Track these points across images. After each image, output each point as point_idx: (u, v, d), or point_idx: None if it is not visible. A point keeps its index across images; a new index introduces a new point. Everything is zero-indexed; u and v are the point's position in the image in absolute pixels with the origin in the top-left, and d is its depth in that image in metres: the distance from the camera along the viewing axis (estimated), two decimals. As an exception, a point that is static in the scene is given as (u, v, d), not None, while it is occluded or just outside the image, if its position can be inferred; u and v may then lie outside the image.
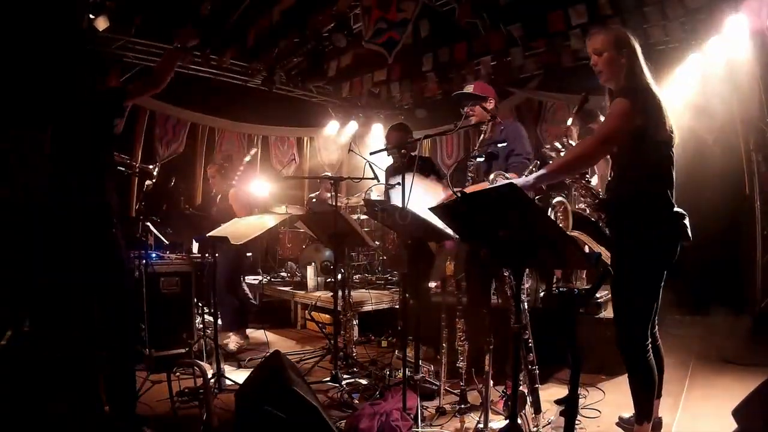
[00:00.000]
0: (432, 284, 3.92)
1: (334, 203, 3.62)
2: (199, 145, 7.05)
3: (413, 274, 3.18)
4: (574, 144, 2.54)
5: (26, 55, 3.66)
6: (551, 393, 3.07)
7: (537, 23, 4.84)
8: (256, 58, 6.12)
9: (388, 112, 8.04)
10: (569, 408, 1.67)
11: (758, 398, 1.89)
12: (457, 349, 2.96)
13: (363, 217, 6.02)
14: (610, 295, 3.17)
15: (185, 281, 4.06)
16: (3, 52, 3.64)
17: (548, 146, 2.55)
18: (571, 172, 2.31)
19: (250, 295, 5.10)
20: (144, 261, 3.74)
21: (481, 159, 3.00)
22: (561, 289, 1.74)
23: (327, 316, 4.98)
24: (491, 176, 2.57)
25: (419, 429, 2.60)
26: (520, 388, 2.40)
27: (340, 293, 3.89)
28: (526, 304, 2.64)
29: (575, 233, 2.48)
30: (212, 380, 3.23)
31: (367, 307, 4.85)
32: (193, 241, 4.74)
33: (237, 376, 3.42)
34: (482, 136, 3.04)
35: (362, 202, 5.78)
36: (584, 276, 3.80)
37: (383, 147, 3.70)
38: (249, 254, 5.24)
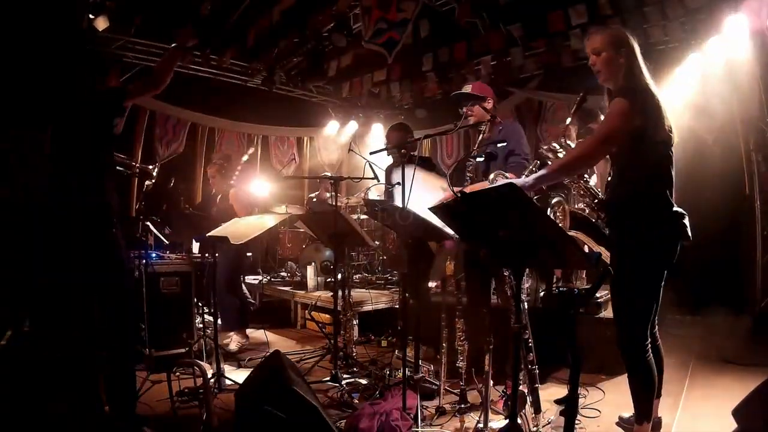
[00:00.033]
0: (432, 284, 3.92)
1: (334, 203, 3.62)
2: (199, 145, 7.05)
3: (413, 274, 3.18)
4: (572, 144, 2.54)
5: (26, 55, 3.66)
6: (551, 393, 3.07)
7: (537, 23, 4.84)
8: (256, 58, 6.12)
9: (388, 112, 8.04)
10: (569, 408, 1.67)
11: (758, 398, 1.89)
12: (457, 348, 2.96)
13: (363, 217, 6.02)
14: (609, 295, 3.17)
15: (185, 281, 4.06)
16: (3, 52, 3.64)
17: (545, 147, 2.55)
18: (571, 172, 2.31)
19: (248, 296, 5.10)
20: (144, 261, 3.74)
21: (481, 159, 3.00)
22: (561, 289, 1.75)
23: (327, 315, 4.98)
24: (491, 176, 2.57)
25: (419, 429, 2.60)
26: (520, 387, 2.40)
27: (340, 293, 3.89)
28: (526, 304, 2.65)
29: (574, 233, 2.48)
30: (212, 380, 3.23)
31: (367, 307, 4.85)
32: (193, 241, 4.73)
33: (237, 376, 3.42)
34: (481, 136, 3.04)
35: (362, 202, 5.78)
36: (584, 276, 3.80)
37: (383, 147, 3.70)
38: (249, 254, 5.24)
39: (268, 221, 3.62)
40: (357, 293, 4.95)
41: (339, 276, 3.84)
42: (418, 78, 6.05)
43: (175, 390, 2.94)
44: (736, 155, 4.81)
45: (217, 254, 3.74)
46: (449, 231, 2.35)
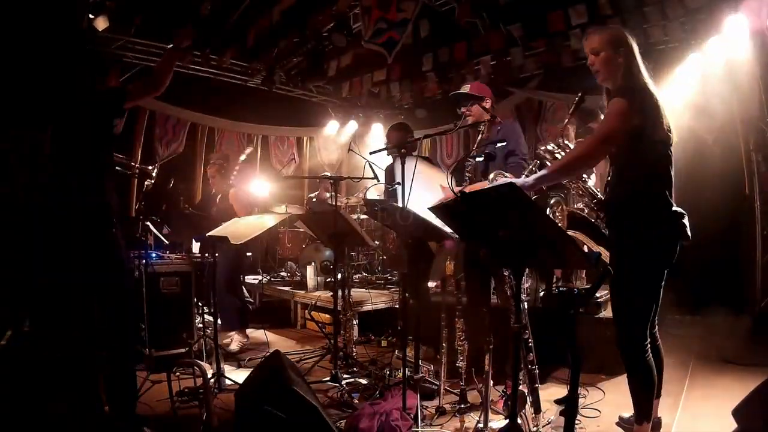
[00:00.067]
0: (432, 284, 3.92)
1: (334, 203, 3.62)
2: (199, 145, 7.04)
3: (413, 274, 3.18)
4: (570, 143, 2.54)
5: (26, 55, 3.66)
6: (551, 393, 3.07)
7: (537, 23, 4.84)
8: (256, 58, 6.12)
9: (388, 112, 8.04)
10: (569, 408, 1.67)
11: (758, 398, 1.89)
12: (457, 348, 2.96)
13: (363, 216, 6.02)
14: (609, 295, 3.17)
15: (185, 281, 4.06)
16: (3, 52, 3.64)
17: (543, 148, 2.55)
18: (571, 173, 2.31)
19: (247, 296, 5.10)
20: (144, 261, 3.74)
21: (480, 159, 3.00)
22: (561, 289, 1.74)
23: (327, 315, 4.99)
24: (491, 176, 2.57)
25: (419, 429, 2.60)
26: (520, 387, 2.40)
27: (340, 293, 3.89)
28: (526, 304, 2.65)
29: (573, 233, 2.48)
30: (212, 380, 3.23)
31: (367, 307, 4.85)
32: (193, 241, 4.74)
33: (237, 376, 3.42)
34: (480, 136, 3.05)
35: (362, 202, 5.78)
36: (584, 276, 3.80)
37: (383, 147, 3.70)
38: (249, 254, 5.24)
39: (268, 221, 3.62)
40: (357, 293, 4.95)
41: (339, 276, 3.84)
42: (418, 78, 6.05)
43: (175, 390, 2.94)
44: (736, 155, 4.81)
45: (217, 254, 3.74)
46: (449, 231, 2.35)
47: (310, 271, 5.41)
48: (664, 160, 2.18)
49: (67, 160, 2.52)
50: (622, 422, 2.60)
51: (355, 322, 4.61)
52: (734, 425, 1.92)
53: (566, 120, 2.51)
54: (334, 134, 7.98)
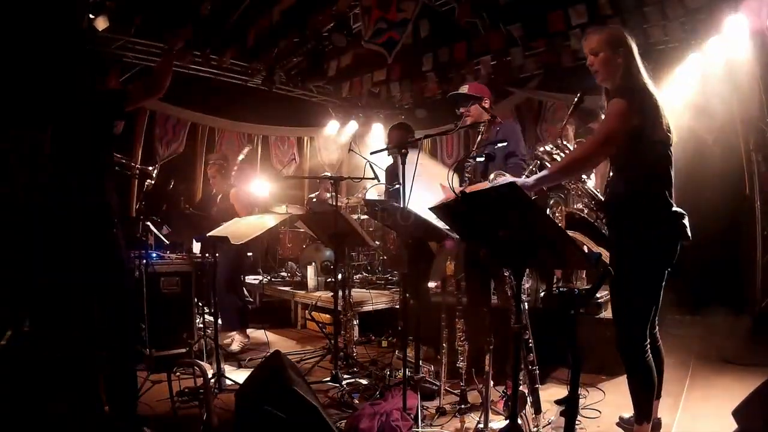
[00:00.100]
0: (432, 284, 3.91)
1: (334, 203, 3.62)
2: (199, 145, 7.04)
3: (413, 274, 3.18)
4: (569, 144, 2.54)
5: (26, 55, 3.66)
6: (551, 393, 3.07)
7: (537, 23, 4.84)
8: (256, 58, 6.12)
9: (388, 112, 8.04)
10: (569, 408, 1.67)
11: (758, 398, 1.89)
12: (457, 349, 2.96)
13: (363, 217, 6.02)
14: (609, 296, 3.17)
15: (185, 281, 4.06)
16: (3, 51, 3.64)
17: (541, 149, 2.55)
18: (572, 174, 2.30)
19: (247, 295, 5.10)
20: (144, 261, 3.75)
21: (481, 159, 3.00)
22: (561, 290, 1.75)
23: (327, 316, 4.98)
24: (491, 176, 2.57)
25: (419, 429, 2.60)
26: (520, 388, 2.40)
27: (340, 293, 3.89)
28: (526, 304, 2.64)
29: (572, 233, 2.48)
30: (212, 380, 3.23)
31: (367, 307, 4.85)
32: (194, 241, 4.74)
33: (237, 376, 3.42)
34: (479, 136, 3.05)
35: (362, 202, 5.78)
36: (584, 276, 3.80)
37: (383, 147, 3.70)
38: (250, 254, 5.23)
39: (268, 221, 3.62)
40: (357, 293, 4.95)
41: (339, 276, 3.84)
42: (418, 78, 6.05)
43: (175, 390, 2.93)
44: (736, 155, 4.81)
45: (217, 254, 3.74)
46: (447, 229, 2.35)
47: (310, 271, 5.41)
48: (663, 160, 2.18)
49: (67, 161, 2.52)
50: (622, 423, 2.59)
51: (355, 323, 4.61)
52: (734, 426, 1.92)
53: (565, 120, 2.51)
54: (335, 134, 7.98)
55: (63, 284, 2.58)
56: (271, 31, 5.24)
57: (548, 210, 2.49)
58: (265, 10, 5.01)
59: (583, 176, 2.49)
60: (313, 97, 7.52)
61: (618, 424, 2.61)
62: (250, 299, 5.58)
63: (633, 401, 2.25)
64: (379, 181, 3.98)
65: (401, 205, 2.64)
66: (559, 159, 2.45)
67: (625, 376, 2.29)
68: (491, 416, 2.61)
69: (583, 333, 3.48)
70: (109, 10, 4.49)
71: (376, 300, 4.95)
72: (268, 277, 6.27)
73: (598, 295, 3.69)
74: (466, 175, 2.95)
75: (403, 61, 5.73)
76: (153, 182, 3.79)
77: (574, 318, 1.69)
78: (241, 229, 3.44)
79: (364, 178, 3.89)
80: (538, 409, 2.58)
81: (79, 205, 2.45)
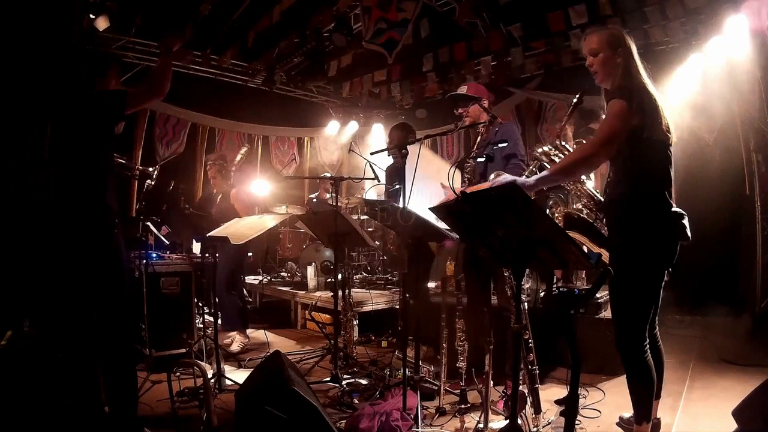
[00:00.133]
0: (432, 284, 3.92)
1: (334, 203, 3.62)
2: (199, 146, 7.05)
3: (413, 275, 3.18)
4: (567, 144, 2.54)
5: (26, 55, 3.66)
6: (551, 393, 3.07)
7: (537, 23, 4.84)
8: (257, 58, 6.13)
9: (388, 112, 8.04)
10: (569, 408, 1.68)
11: (758, 398, 1.89)
12: (457, 349, 2.96)
13: (363, 217, 6.02)
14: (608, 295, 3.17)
15: (185, 281, 4.05)
16: (3, 51, 3.64)
17: (540, 150, 2.56)
18: (572, 175, 2.30)
19: (246, 295, 5.10)
20: (144, 261, 3.75)
21: (482, 160, 3.00)
22: (561, 289, 1.74)
23: (327, 316, 4.99)
24: (491, 176, 2.57)
25: (419, 429, 2.60)
26: (520, 388, 2.40)
27: (340, 293, 3.89)
28: (526, 304, 2.65)
29: (571, 234, 2.48)
30: (212, 380, 3.23)
31: (367, 307, 4.86)
32: (194, 241, 4.74)
33: (237, 376, 3.42)
34: (479, 137, 3.05)
35: (362, 203, 5.78)
36: (584, 276, 3.80)
37: (383, 147, 3.70)
38: (249, 254, 5.23)
39: (268, 221, 3.62)
40: (357, 293, 4.95)
41: (339, 276, 3.84)
42: (418, 78, 6.05)
43: (175, 390, 2.93)
44: (736, 155, 4.82)
45: (217, 254, 3.74)
46: (447, 229, 2.35)
47: (310, 271, 5.41)
48: (663, 160, 2.18)
49: (67, 161, 2.51)
50: (622, 422, 2.59)
51: (355, 323, 4.61)
52: (734, 426, 1.92)
53: (564, 121, 2.51)
54: (335, 134, 7.99)
55: (63, 285, 2.58)
56: (271, 31, 5.24)
57: (548, 210, 2.49)
58: (265, 10, 5.01)
59: (583, 177, 2.49)
60: (313, 98, 7.53)
61: (618, 424, 2.61)
62: (249, 300, 5.58)
63: (632, 401, 2.25)
64: (379, 181, 3.98)
65: (401, 205, 2.64)
66: (557, 160, 2.45)
67: (625, 376, 2.29)
68: (491, 416, 2.61)
69: (582, 333, 3.48)
70: (109, 10, 4.49)
71: (376, 300, 4.95)
72: (268, 277, 6.27)
73: (598, 295, 3.69)
74: (466, 175, 2.95)
75: (403, 62, 5.74)
76: (153, 183, 3.79)
77: (573, 318, 1.69)
78: (240, 229, 3.44)
79: (364, 178, 3.89)
80: (538, 409, 2.58)
81: (79, 205, 2.45)
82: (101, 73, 2.68)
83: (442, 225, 2.47)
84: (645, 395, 2.22)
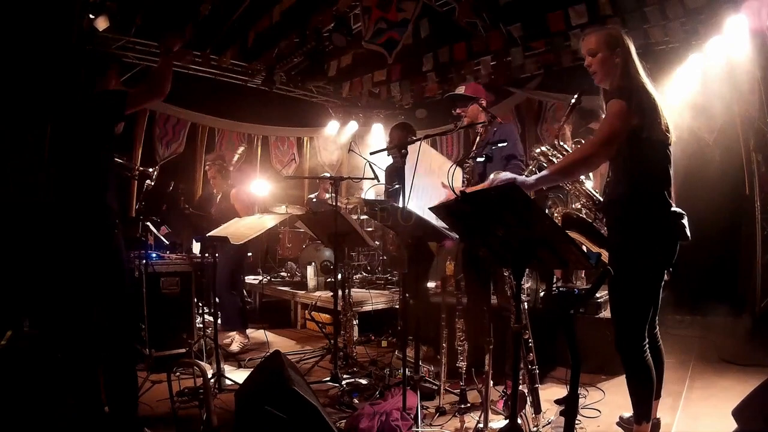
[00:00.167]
0: (432, 284, 3.92)
1: (334, 203, 3.62)
2: (199, 145, 7.05)
3: (413, 274, 3.18)
4: (565, 144, 2.54)
5: (25, 55, 3.66)
6: (551, 393, 3.08)
7: (537, 23, 4.84)
8: (256, 58, 6.13)
9: (388, 112, 8.04)
10: (569, 408, 1.67)
11: (758, 398, 1.89)
12: (457, 349, 2.96)
13: (363, 217, 6.02)
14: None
15: (185, 281, 4.06)
16: (3, 51, 3.64)
17: (537, 150, 2.55)
18: (572, 175, 2.30)
19: (246, 295, 5.09)
20: (144, 261, 3.75)
21: (481, 160, 3.00)
22: (561, 289, 1.74)
23: (327, 316, 4.99)
24: (491, 176, 2.57)
25: (419, 429, 2.60)
26: (520, 387, 2.40)
27: (340, 293, 3.89)
28: (526, 304, 2.65)
29: (571, 234, 2.48)
30: (212, 380, 3.23)
31: (367, 307, 4.86)
32: (193, 241, 4.74)
33: (237, 376, 3.42)
34: (478, 138, 3.05)
35: (362, 203, 5.78)
36: (584, 276, 3.80)
37: (383, 147, 3.70)
38: (249, 254, 5.23)
39: (268, 221, 3.62)
40: (357, 293, 4.95)
41: (339, 276, 3.84)
42: (418, 78, 6.05)
43: (175, 390, 2.93)
44: (736, 155, 4.82)
45: (217, 254, 3.74)
46: (447, 229, 2.35)
47: (310, 271, 5.41)
48: (662, 160, 2.18)
49: (67, 161, 2.51)
50: (622, 422, 2.59)
51: (355, 323, 4.61)
52: (734, 426, 1.92)
53: (562, 121, 2.51)
54: (335, 134, 7.99)
55: (63, 285, 2.58)
56: (271, 31, 5.24)
57: (547, 210, 2.49)
58: (265, 10, 5.01)
59: (582, 177, 2.49)
60: (313, 97, 7.53)
61: (618, 424, 2.61)
62: (249, 300, 5.58)
63: (632, 401, 2.25)
64: (378, 181, 3.98)
65: (401, 205, 2.64)
66: (555, 160, 2.45)
67: (625, 375, 2.29)
68: (491, 416, 2.61)
69: (582, 333, 3.48)
70: (109, 10, 4.49)
71: (375, 300, 4.95)
72: (268, 277, 6.27)
73: (597, 295, 3.69)
74: (465, 176, 2.95)
75: (403, 62, 5.74)
76: (152, 183, 3.79)
77: (573, 318, 1.69)
78: (240, 229, 3.44)
79: (364, 178, 3.89)
80: (537, 409, 2.58)
81: (79, 205, 2.45)
82: (101, 73, 2.68)
83: (441, 224, 2.47)
84: (645, 395, 2.22)
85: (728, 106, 4.60)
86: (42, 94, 2.93)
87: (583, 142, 2.64)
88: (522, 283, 1.90)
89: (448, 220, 2.13)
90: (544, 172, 2.17)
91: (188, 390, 3.10)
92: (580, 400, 2.74)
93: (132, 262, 3.73)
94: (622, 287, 2.18)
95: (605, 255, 2.25)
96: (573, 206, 2.96)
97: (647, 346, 2.20)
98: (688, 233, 2.17)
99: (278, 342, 4.77)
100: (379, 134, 7.95)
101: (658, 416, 2.43)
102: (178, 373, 3.31)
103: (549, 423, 2.65)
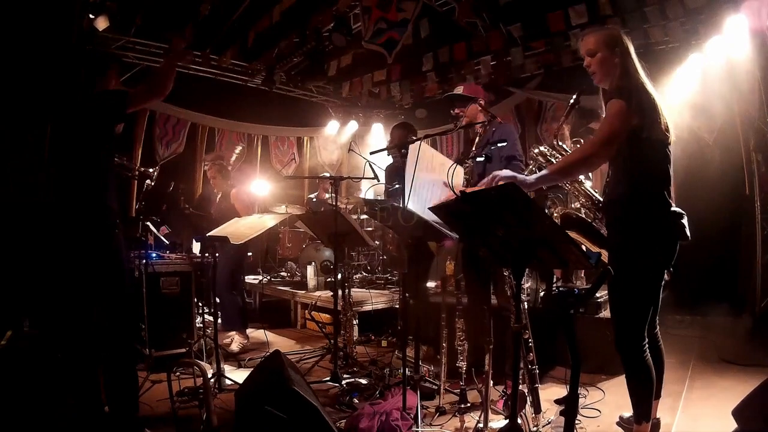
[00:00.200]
0: (432, 284, 3.92)
1: (334, 203, 3.63)
2: (199, 145, 7.05)
3: (413, 274, 3.18)
4: (564, 144, 2.55)
5: (25, 55, 3.66)
6: (551, 393, 3.08)
7: (537, 23, 4.84)
8: (256, 58, 6.12)
9: (388, 112, 8.04)
10: (569, 408, 1.67)
11: (758, 398, 1.89)
12: (457, 348, 2.96)
13: (363, 217, 6.02)
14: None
15: (185, 281, 4.06)
16: (3, 51, 3.64)
17: (536, 150, 2.55)
18: (572, 174, 2.30)
19: (245, 295, 5.09)
20: (144, 261, 3.75)
21: (481, 159, 3.00)
22: (561, 289, 1.74)
23: (327, 315, 4.99)
24: (492, 174, 2.57)
25: (419, 429, 2.60)
26: (520, 387, 2.40)
27: (340, 293, 3.89)
28: (526, 304, 2.65)
29: (571, 233, 2.48)
30: (212, 380, 3.23)
31: (367, 307, 4.86)
32: (193, 241, 4.74)
33: (237, 376, 3.42)
34: (477, 138, 3.05)
35: (362, 202, 5.78)
36: (584, 276, 3.80)
37: (383, 147, 3.70)
38: (249, 254, 5.23)
39: (268, 221, 3.62)
40: (357, 293, 4.95)
41: (339, 276, 3.84)
42: (418, 78, 6.05)
43: (175, 390, 2.93)
44: (736, 155, 4.82)
45: (217, 254, 3.74)
46: (447, 229, 2.35)
47: (310, 271, 5.41)
48: (662, 159, 2.18)
49: (67, 161, 2.51)
50: (622, 422, 2.59)
51: (355, 322, 4.61)
52: (734, 426, 1.92)
53: (561, 121, 2.51)
54: (335, 134, 7.99)
55: (63, 285, 2.58)
56: (271, 31, 5.24)
57: (546, 210, 2.49)
58: (265, 10, 5.01)
59: (581, 176, 2.49)
60: (313, 97, 7.53)
61: (618, 424, 2.61)
62: (249, 300, 5.59)
63: (632, 401, 2.25)
64: (378, 181, 3.98)
65: (401, 205, 2.64)
66: (554, 160, 2.45)
67: (625, 375, 2.29)
68: (491, 416, 2.61)
69: (582, 333, 3.48)
70: (109, 10, 4.49)
71: (375, 300, 4.95)
72: (268, 277, 6.27)
73: (597, 295, 3.69)
74: (464, 175, 2.95)
75: (403, 62, 5.74)
76: (152, 183, 3.79)
77: (573, 318, 1.69)
78: (240, 229, 3.44)
79: (364, 178, 3.90)
80: (537, 409, 2.58)
81: (79, 205, 2.45)
82: (101, 73, 2.68)
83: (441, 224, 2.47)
84: (644, 395, 2.22)
85: (728, 105, 4.60)
86: (42, 94, 2.93)
87: (582, 141, 2.64)
88: (522, 282, 1.90)
89: (448, 219, 2.13)
90: (544, 172, 2.17)
91: (188, 390, 3.10)
92: (580, 399, 2.74)
93: (132, 262, 3.73)
94: (622, 287, 2.18)
95: (605, 255, 2.25)
96: (572, 206, 2.97)
97: (647, 346, 2.20)
98: (688, 233, 2.17)
99: (278, 342, 4.77)
100: (379, 134, 7.95)
101: (658, 416, 2.44)
102: (178, 373, 3.31)
103: (549, 423, 2.65)
